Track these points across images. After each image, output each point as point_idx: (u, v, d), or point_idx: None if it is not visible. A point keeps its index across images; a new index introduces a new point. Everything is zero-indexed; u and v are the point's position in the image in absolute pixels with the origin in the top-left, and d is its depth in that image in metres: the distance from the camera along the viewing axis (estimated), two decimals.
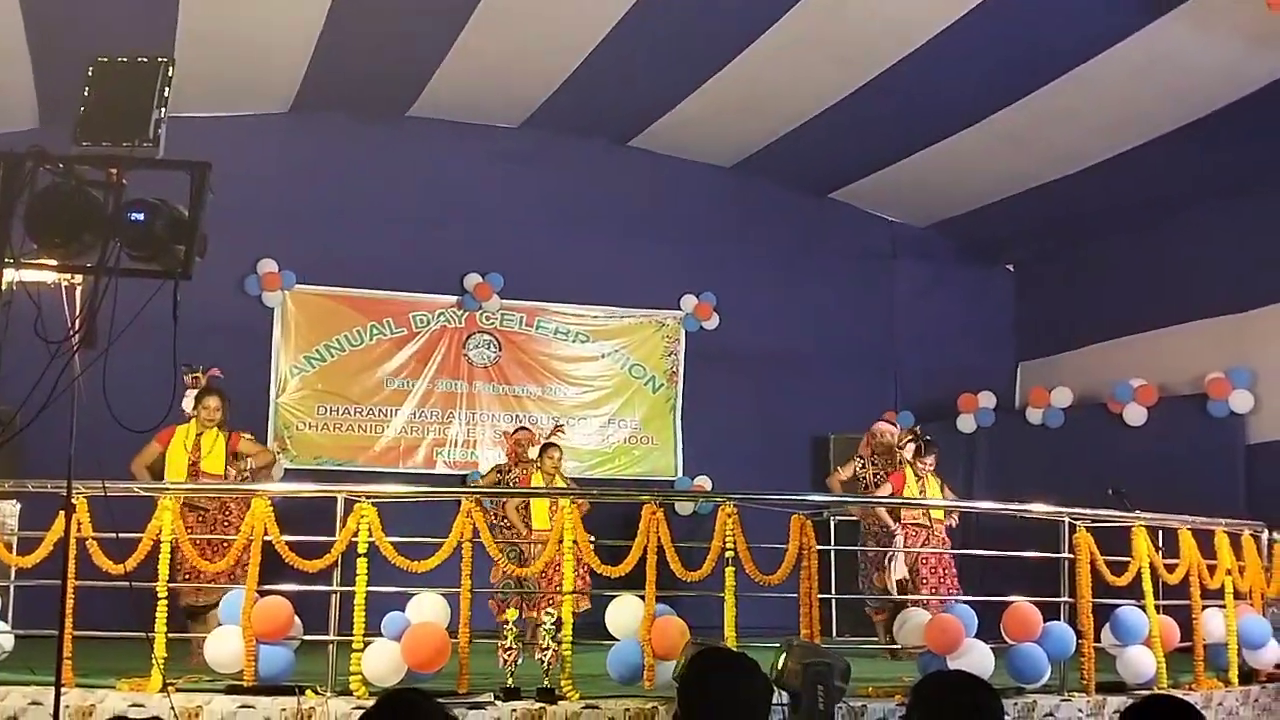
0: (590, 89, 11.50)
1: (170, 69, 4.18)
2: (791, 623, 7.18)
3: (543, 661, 6.65)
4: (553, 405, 12.89)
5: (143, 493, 7.85)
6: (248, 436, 8.99)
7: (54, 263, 4.23)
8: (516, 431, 10.89)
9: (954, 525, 10.22)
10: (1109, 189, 11.86)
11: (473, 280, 12.59)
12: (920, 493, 9.95)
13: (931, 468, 10.08)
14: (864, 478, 10.38)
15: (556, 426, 11.13)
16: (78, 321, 4.22)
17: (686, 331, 13.41)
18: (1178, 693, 7.55)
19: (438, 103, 12.13)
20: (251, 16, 9.79)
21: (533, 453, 10.37)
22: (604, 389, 13.17)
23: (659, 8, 9.75)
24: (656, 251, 13.11)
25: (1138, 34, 9.33)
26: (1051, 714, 7.13)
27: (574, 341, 13.13)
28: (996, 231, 13.91)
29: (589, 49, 10.68)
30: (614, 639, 7.07)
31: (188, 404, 8.82)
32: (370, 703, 6.35)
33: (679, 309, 13.38)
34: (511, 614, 7.01)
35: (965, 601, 7.72)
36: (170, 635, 6.79)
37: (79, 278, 4.89)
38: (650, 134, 12.86)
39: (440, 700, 3.08)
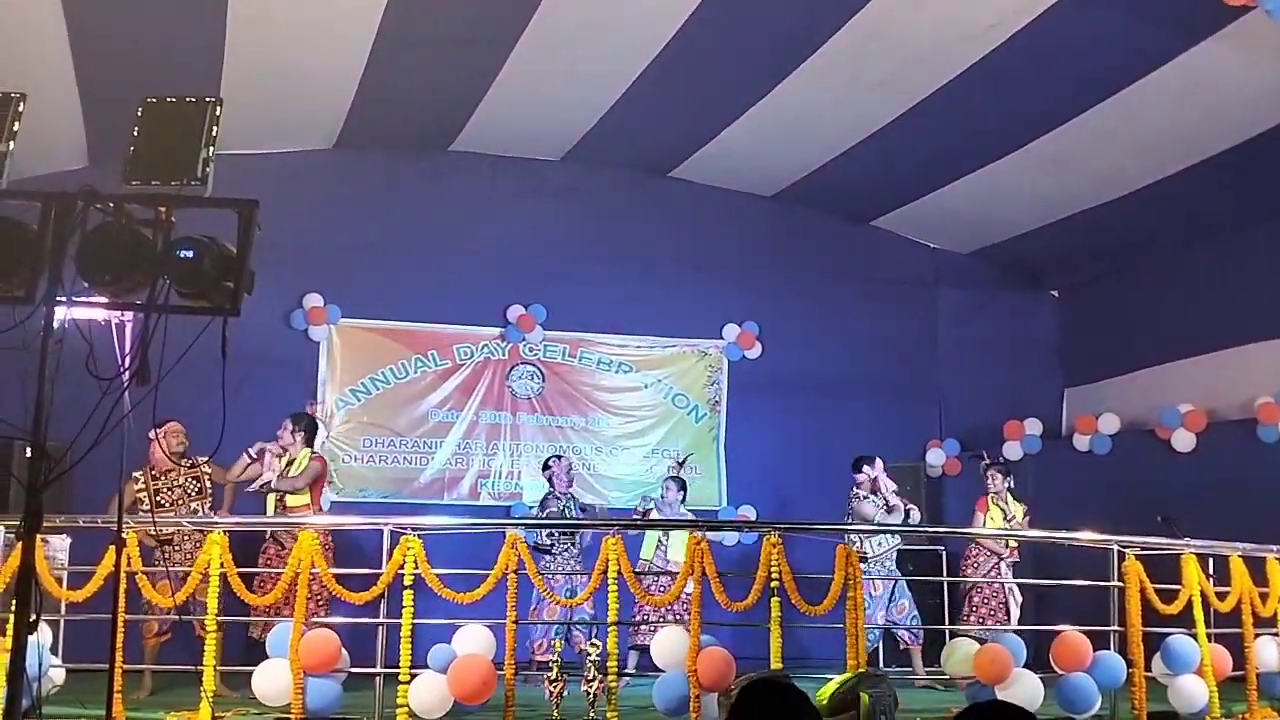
0: (630, 121, 11.56)
1: (218, 109, 4.25)
2: (837, 653, 7.15)
3: (589, 693, 6.66)
4: (596, 436, 12.89)
5: (190, 527, 7.95)
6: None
7: (105, 300, 4.31)
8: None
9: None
10: (1153, 213, 11.77)
11: (516, 312, 12.64)
12: (1007, 519, 10.12)
13: (1004, 489, 10.18)
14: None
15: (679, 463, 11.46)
16: (129, 358, 4.28)
17: (729, 361, 13.39)
18: None
19: (480, 137, 12.22)
20: (296, 55, 9.91)
21: None
22: (647, 419, 13.16)
23: (698, 40, 9.79)
24: (698, 281, 13.11)
25: (1178, 58, 9.27)
26: None
27: (617, 372, 13.14)
28: (1040, 257, 13.84)
29: (628, 82, 10.74)
30: (659, 670, 7.06)
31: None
32: None
33: (721, 338, 13.36)
34: (558, 645, 7.02)
35: (1013, 631, 7.65)
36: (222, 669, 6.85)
37: (129, 315, 4.96)
38: (691, 165, 12.90)
39: None
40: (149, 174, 4.19)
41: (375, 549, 7.23)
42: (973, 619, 9.89)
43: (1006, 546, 10.15)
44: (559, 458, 10.81)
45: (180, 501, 8.89)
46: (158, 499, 8.75)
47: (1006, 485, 10.33)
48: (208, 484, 9.05)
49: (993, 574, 9.99)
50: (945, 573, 11.45)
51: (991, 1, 8.98)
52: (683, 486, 10.64)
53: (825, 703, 5.87)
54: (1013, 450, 13.00)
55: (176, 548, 8.67)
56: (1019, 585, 10.02)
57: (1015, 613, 10.01)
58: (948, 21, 9.32)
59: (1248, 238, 11.63)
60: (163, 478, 8.88)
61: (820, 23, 9.60)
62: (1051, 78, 9.90)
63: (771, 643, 6.85)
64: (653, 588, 8.79)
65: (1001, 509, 10.21)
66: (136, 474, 8.67)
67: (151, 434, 8.59)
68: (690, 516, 10.57)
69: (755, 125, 11.48)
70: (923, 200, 12.97)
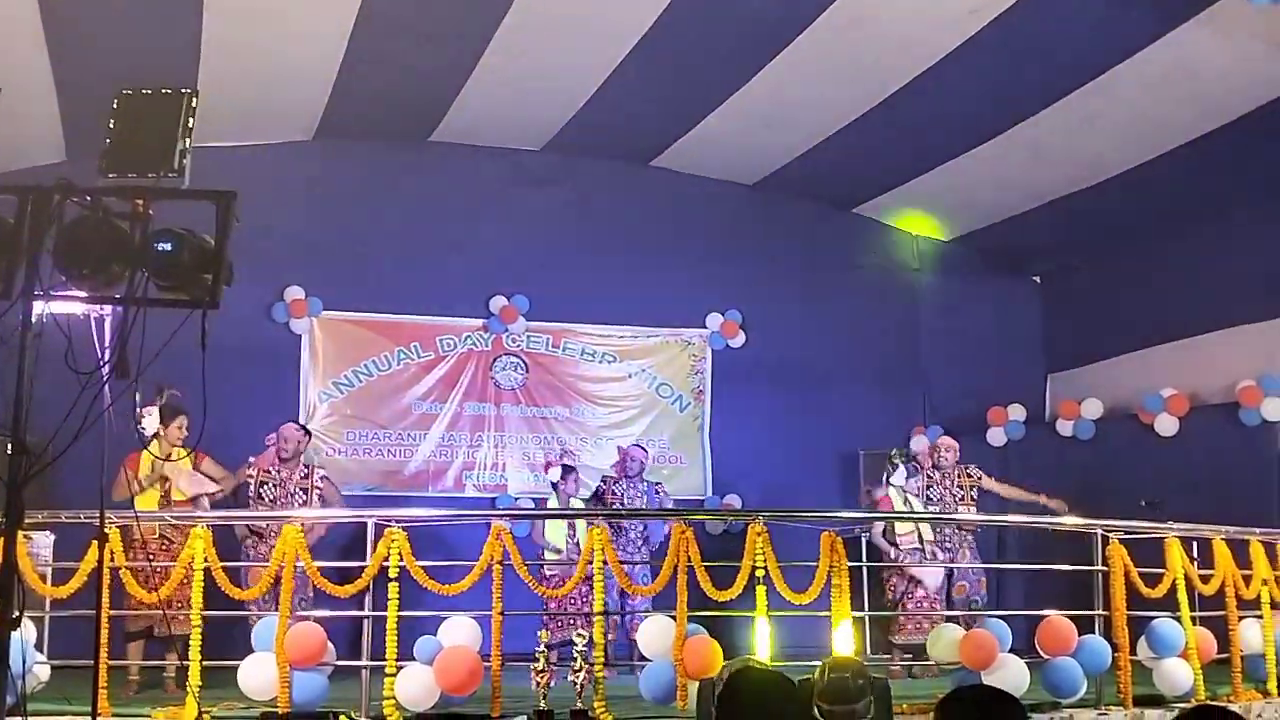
0: (611, 110, 11.52)
1: (194, 100, 4.22)
2: (823, 641, 7.15)
3: (575, 683, 6.65)
4: (580, 426, 12.87)
5: (175, 522, 7.92)
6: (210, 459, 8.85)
7: (83, 294, 4.28)
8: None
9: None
10: (1134, 198, 11.79)
11: (498, 303, 12.61)
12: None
13: (903, 483, 10.05)
14: None
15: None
16: (108, 352, 4.26)
17: (713, 349, 13.37)
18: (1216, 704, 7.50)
19: (460, 127, 12.17)
20: (273, 46, 9.86)
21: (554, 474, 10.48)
22: (631, 409, 13.14)
23: (678, 27, 9.77)
24: (681, 270, 13.09)
25: (1157, 42, 9.28)
26: None
27: (600, 362, 13.11)
28: (1022, 243, 13.85)
29: (609, 70, 10.71)
30: (646, 660, 7.06)
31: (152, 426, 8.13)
32: None
33: (705, 327, 13.35)
34: (544, 636, 7.01)
35: (997, 616, 7.67)
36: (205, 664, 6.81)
37: (108, 309, 4.93)
38: (672, 153, 12.87)
39: None
40: (125, 166, 4.16)
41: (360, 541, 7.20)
42: (909, 626, 9.61)
43: (909, 538, 9.83)
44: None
45: (280, 501, 9.04)
46: (260, 492, 9.09)
47: (909, 477, 10.16)
48: (315, 497, 9.18)
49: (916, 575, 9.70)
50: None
51: None
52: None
53: (819, 690, 5.80)
54: (996, 436, 13.04)
55: (264, 539, 8.82)
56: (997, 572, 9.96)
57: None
58: (927, 7, 9.32)
59: (1229, 222, 11.65)
60: (273, 475, 9.15)
61: (800, 9, 9.58)
62: (1031, 63, 9.91)
63: (757, 631, 6.85)
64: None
65: (905, 498, 10.00)
66: (252, 458, 9.23)
67: (269, 438, 9.40)
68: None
69: (736, 113, 11.46)
70: (904, 187, 12.98)
